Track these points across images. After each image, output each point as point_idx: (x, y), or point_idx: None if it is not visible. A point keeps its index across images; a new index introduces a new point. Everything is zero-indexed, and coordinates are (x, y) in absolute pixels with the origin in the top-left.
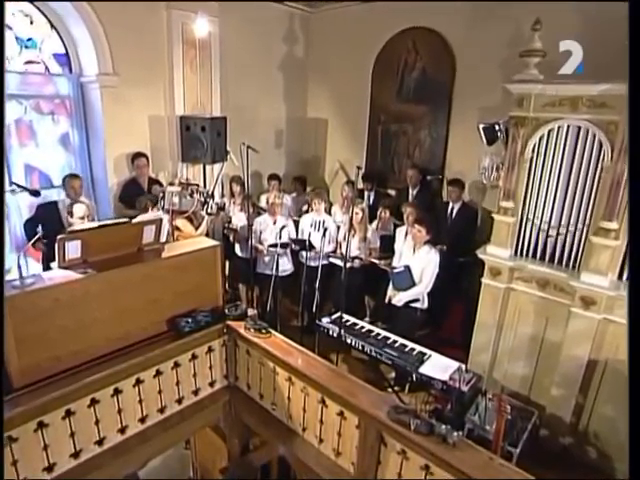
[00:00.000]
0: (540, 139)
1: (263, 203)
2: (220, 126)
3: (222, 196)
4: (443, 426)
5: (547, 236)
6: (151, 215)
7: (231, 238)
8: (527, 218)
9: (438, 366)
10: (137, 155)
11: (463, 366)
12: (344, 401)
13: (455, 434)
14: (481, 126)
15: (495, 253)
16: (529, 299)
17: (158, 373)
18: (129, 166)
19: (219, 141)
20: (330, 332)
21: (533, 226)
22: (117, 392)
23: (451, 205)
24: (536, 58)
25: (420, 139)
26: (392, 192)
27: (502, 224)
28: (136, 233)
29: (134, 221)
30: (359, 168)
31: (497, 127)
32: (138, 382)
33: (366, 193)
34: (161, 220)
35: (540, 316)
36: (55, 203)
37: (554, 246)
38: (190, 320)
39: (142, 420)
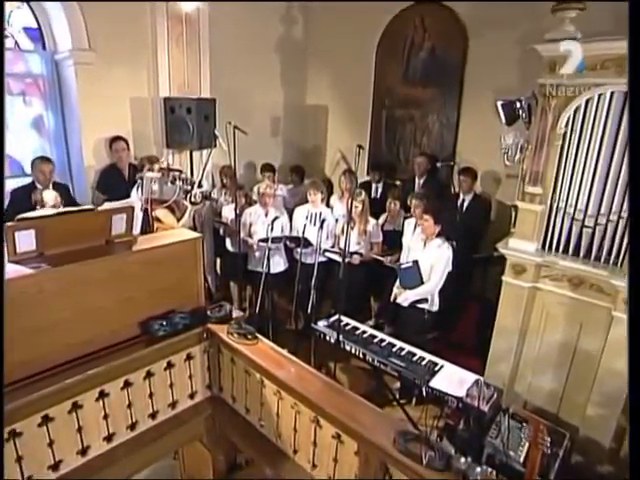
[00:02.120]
0: (575, 111)
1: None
2: (208, 108)
3: (212, 186)
4: (463, 459)
5: (582, 227)
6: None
7: (221, 232)
8: (558, 206)
9: (452, 379)
10: (115, 139)
11: (481, 379)
12: (341, 424)
13: (478, 469)
14: (499, 103)
15: (519, 247)
16: (559, 301)
17: (127, 384)
18: (109, 152)
19: (207, 125)
20: (327, 337)
21: (565, 215)
22: (76, 407)
23: (462, 197)
24: (572, 12)
25: (428, 125)
26: (397, 183)
27: (528, 213)
28: (103, 223)
29: (100, 208)
30: (360, 147)
31: (518, 104)
32: (102, 395)
33: (374, 185)
34: (133, 208)
35: (572, 321)
36: (32, 185)
37: (591, 239)
38: (165, 323)
39: (108, 439)
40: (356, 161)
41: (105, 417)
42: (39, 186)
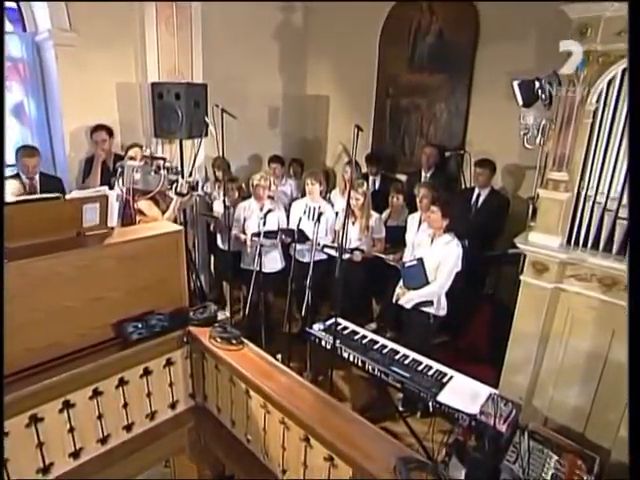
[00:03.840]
0: (609, 83)
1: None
2: (199, 94)
3: (206, 180)
4: None
5: (616, 218)
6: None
7: (211, 227)
8: (587, 194)
9: (463, 392)
10: (96, 128)
11: (496, 392)
12: (333, 446)
13: None
14: (516, 83)
15: (540, 242)
16: (587, 304)
17: (96, 393)
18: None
19: (197, 112)
20: (323, 342)
21: (595, 205)
22: (36, 420)
23: (477, 191)
24: None
25: (435, 114)
26: (401, 177)
27: (551, 203)
28: (73, 212)
29: (69, 196)
30: (358, 128)
31: (537, 83)
32: (67, 406)
33: (371, 178)
34: (106, 197)
35: (603, 327)
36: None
37: (626, 232)
38: (140, 325)
39: (75, 455)
40: (354, 144)
41: (71, 430)
42: (24, 177)
